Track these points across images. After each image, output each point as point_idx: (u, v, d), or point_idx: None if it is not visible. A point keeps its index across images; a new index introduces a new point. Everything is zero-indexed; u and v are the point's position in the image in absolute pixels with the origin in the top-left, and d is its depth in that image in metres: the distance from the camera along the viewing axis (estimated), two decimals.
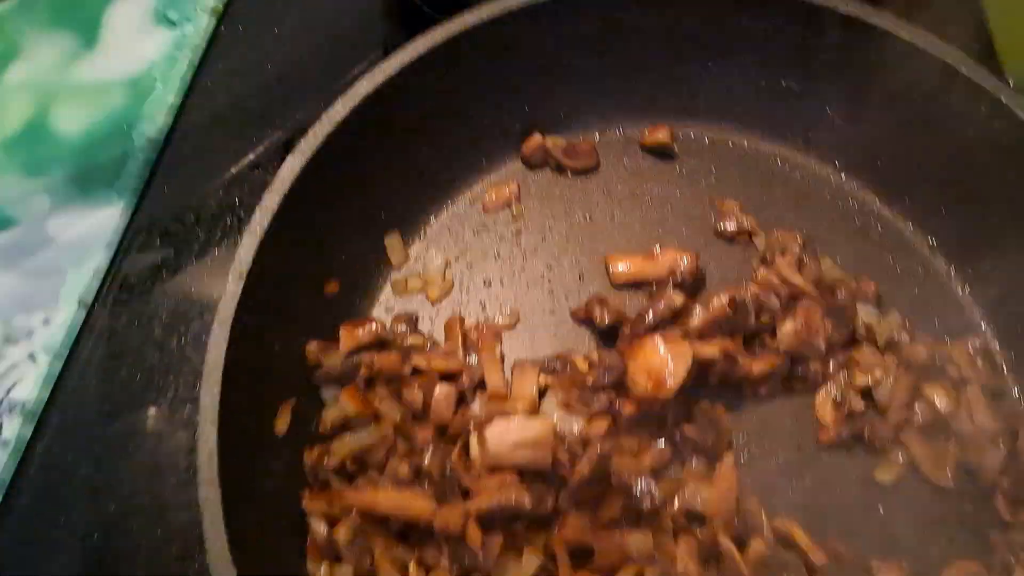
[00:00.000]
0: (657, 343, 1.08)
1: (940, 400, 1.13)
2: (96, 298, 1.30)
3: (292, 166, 1.10)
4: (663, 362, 1.06)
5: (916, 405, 1.13)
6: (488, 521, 0.98)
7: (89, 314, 1.28)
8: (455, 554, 0.98)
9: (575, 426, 1.07)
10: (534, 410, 1.09)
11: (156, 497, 1.16)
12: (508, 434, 1.02)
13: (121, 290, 1.31)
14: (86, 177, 1.41)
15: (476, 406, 1.11)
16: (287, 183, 1.09)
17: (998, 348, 1.19)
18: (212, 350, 0.98)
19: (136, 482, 1.16)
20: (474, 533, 0.97)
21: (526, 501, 0.98)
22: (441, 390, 1.11)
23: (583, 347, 1.20)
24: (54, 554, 1.13)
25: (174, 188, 1.40)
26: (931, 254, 1.26)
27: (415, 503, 1.01)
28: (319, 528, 1.03)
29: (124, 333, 1.27)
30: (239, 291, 1.02)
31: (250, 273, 1.04)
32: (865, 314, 1.17)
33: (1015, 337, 1.18)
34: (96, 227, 1.36)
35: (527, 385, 1.12)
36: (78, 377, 1.24)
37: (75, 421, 1.21)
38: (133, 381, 1.23)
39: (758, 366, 1.12)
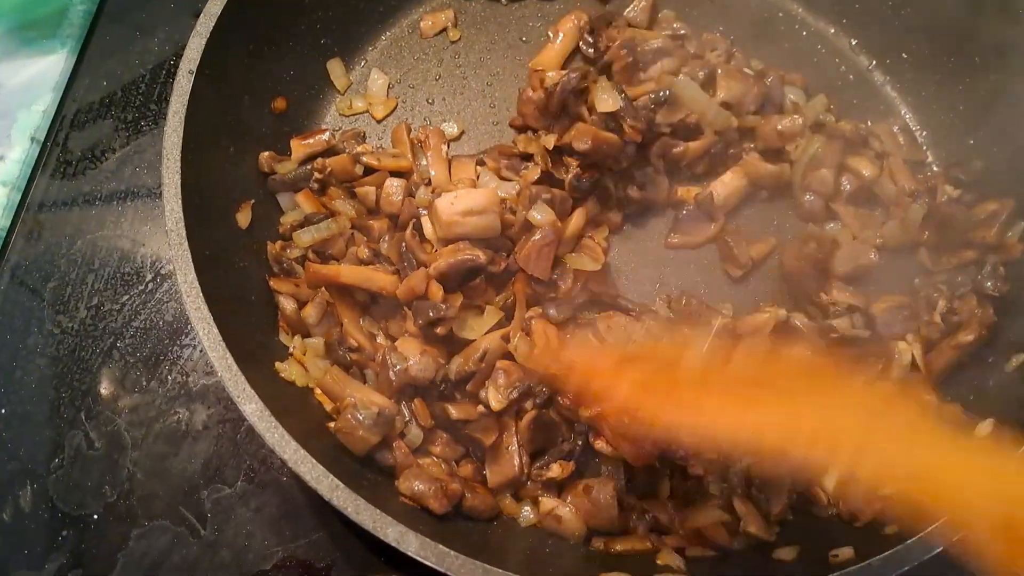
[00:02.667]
0: None
1: (865, 169, 1.23)
2: (48, 136, 1.33)
3: None
4: None
5: (843, 177, 1.23)
6: (448, 283, 1.06)
7: (43, 150, 1.32)
8: (419, 312, 1.05)
9: (513, 188, 1.14)
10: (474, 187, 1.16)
11: (125, 304, 1.21)
12: (456, 203, 1.08)
13: (72, 128, 1.34)
14: (26, 30, 1.43)
15: (421, 192, 1.17)
16: None
17: (916, 127, 1.30)
18: (168, 135, 1.03)
19: (104, 292, 1.21)
20: (435, 289, 1.05)
21: (480, 256, 1.06)
22: (391, 183, 1.17)
23: None
24: (31, 358, 1.18)
25: (117, 36, 1.42)
26: (852, 52, 1.35)
27: (378, 276, 1.09)
28: (288, 305, 1.10)
29: (80, 164, 1.31)
30: (189, 86, 1.07)
31: (199, 71, 1.08)
32: (793, 95, 1.27)
33: (930, 117, 1.30)
34: (42, 73, 1.39)
35: (466, 171, 1.19)
36: (38, 207, 1.28)
37: (39, 243, 1.25)
38: (93, 205, 1.27)
39: (694, 145, 1.21)
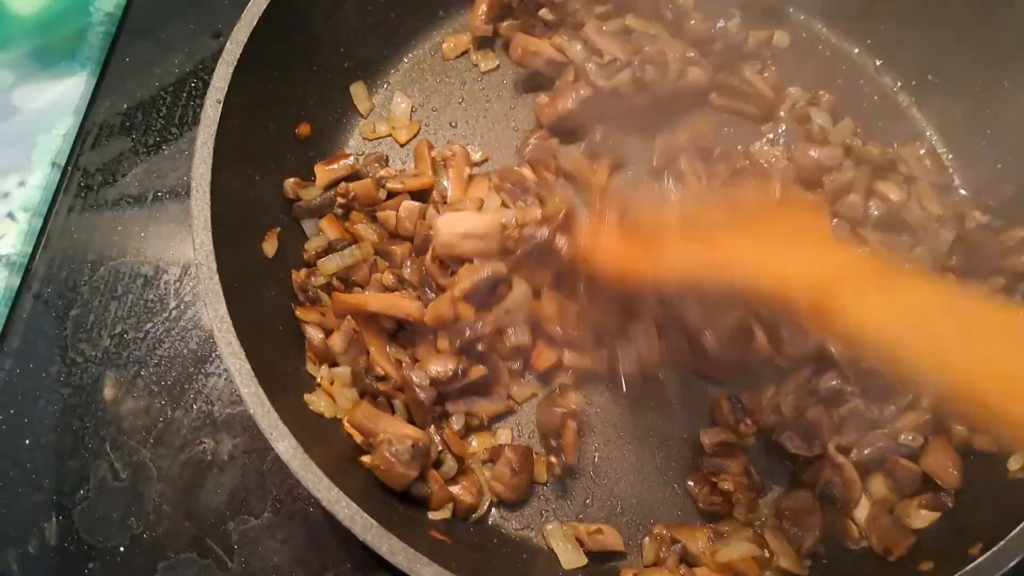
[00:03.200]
0: None
1: (893, 194, 1.22)
2: (68, 160, 1.32)
3: (259, 3, 1.13)
4: None
5: (871, 202, 1.22)
6: (475, 301, 1.05)
7: (64, 174, 1.31)
8: (455, 335, 1.05)
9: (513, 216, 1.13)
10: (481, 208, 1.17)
11: (149, 332, 1.20)
12: (457, 224, 1.08)
13: (93, 152, 1.33)
14: (46, 51, 1.42)
15: (431, 213, 1.17)
16: (254, 19, 1.13)
17: (943, 150, 1.29)
18: (197, 166, 1.02)
19: (128, 320, 1.21)
20: (466, 310, 1.04)
21: (502, 268, 1.05)
22: (406, 205, 1.17)
23: None
24: (54, 388, 1.17)
25: (137, 56, 1.42)
26: (877, 73, 1.35)
27: (405, 303, 1.08)
28: (314, 334, 1.10)
29: (101, 190, 1.30)
30: (217, 115, 1.06)
31: (226, 100, 1.07)
32: (820, 119, 1.26)
33: (957, 140, 1.29)
34: (61, 96, 1.38)
35: (479, 190, 1.19)
36: (59, 233, 1.27)
37: (61, 270, 1.24)
38: (115, 231, 1.27)
39: None
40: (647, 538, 1.07)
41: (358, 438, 1.05)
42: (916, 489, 1.06)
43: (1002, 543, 0.88)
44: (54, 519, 1.10)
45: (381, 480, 1.01)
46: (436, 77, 1.35)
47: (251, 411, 0.91)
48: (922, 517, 1.05)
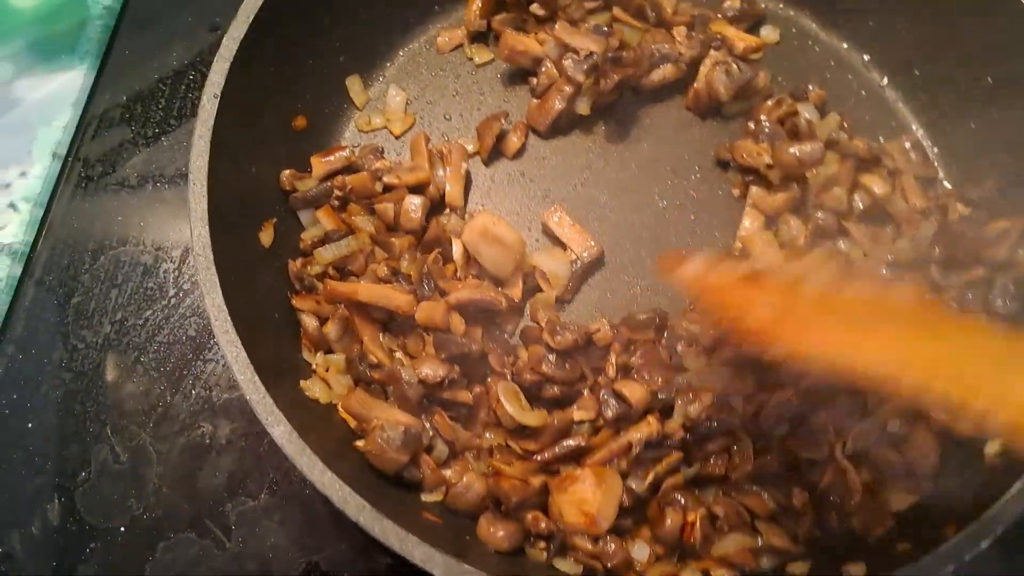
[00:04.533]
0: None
1: (877, 187, 1.25)
2: (69, 151, 1.35)
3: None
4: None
5: (856, 194, 1.24)
6: (465, 315, 1.08)
7: (64, 166, 1.34)
8: (443, 347, 1.07)
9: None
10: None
11: (148, 319, 1.23)
12: (494, 227, 1.13)
13: (93, 143, 1.36)
14: (46, 44, 1.45)
15: (454, 220, 1.20)
16: (251, 14, 1.15)
17: (929, 144, 1.32)
18: (195, 159, 1.05)
19: (128, 307, 1.23)
20: (457, 322, 1.07)
21: (502, 301, 1.08)
22: (410, 200, 1.19)
23: None
24: (56, 372, 1.20)
25: (136, 49, 1.44)
26: (865, 69, 1.37)
27: (395, 296, 1.11)
28: (310, 322, 1.12)
29: (101, 180, 1.33)
30: (214, 110, 1.08)
31: (223, 94, 1.10)
32: (808, 112, 1.29)
33: (942, 134, 1.31)
34: (61, 88, 1.41)
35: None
36: (60, 222, 1.30)
37: (62, 259, 1.27)
38: (115, 220, 1.30)
39: None
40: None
41: (352, 423, 1.08)
42: (894, 473, 1.09)
43: (973, 524, 0.91)
44: (56, 501, 1.14)
45: (374, 464, 1.04)
46: (431, 70, 1.38)
47: (247, 397, 0.94)
48: (901, 500, 1.07)
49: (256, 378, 0.95)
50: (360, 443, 1.04)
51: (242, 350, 0.96)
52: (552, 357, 1.08)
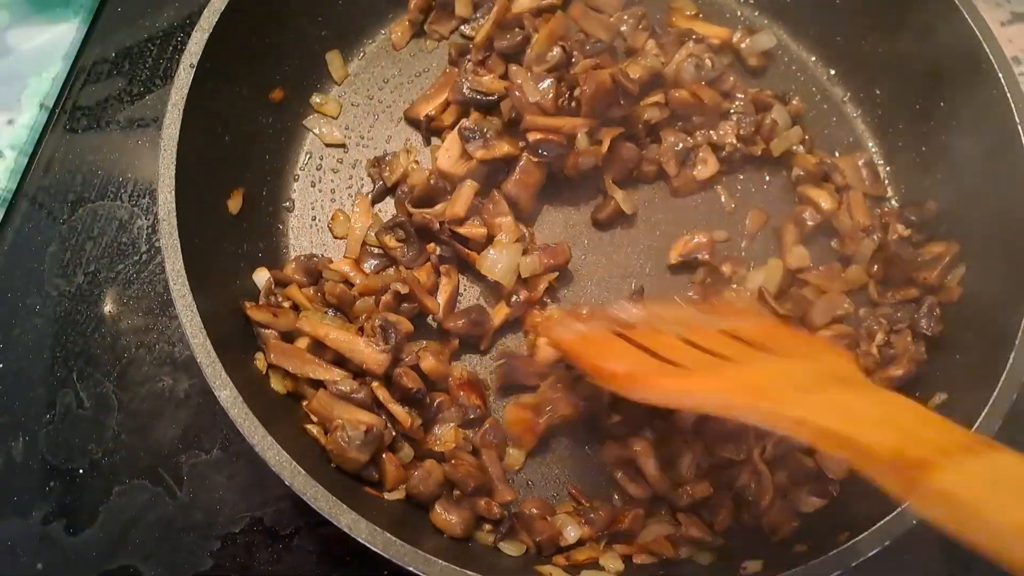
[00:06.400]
0: None
1: (824, 201, 1.30)
2: (56, 103, 1.40)
3: None
4: None
5: (806, 212, 1.30)
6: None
7: (51, 116, 1.38)
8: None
9: None
10: None
11: (120, 273, 1.29)
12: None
13: (80, 97, 1.40)
14: None
15: None
16: None
17: (881, 163, 1.36)
18: (167, 126, 1.10)
19: (101, 260, 1.29)
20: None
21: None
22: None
23: None
24: (28, 317, 1.27)
25: (128, 7, 1.48)
26: (829, 83, 1.41)
27: (366, 351, 1.12)
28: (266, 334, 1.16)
29: (85, 134, 1.38)
30: (190, 79, 1.13)
31: (200, 64, 1.14)
32: (779, 117, 1.33)
33: (895, 154, 1.36)
34: (53, 40, 1.45)
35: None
36: (43, 172, 1.35)
37: (43, 208, 1.32)
38: (95, 174, 1.35)
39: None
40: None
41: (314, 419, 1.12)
42: (808, 477, 1.16)
43: (864, 534, 0.98)
44: (21, 439, 1.20)
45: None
46: (410, 50, 1.41)
47: (198, 360, 1.00)
48: (810, 503, 1.14)
49: (207, 341, 1.01)
50: (313, 428, 1.10)
51: (196, 315, 1.02)
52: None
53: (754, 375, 0.94)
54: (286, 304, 1.17)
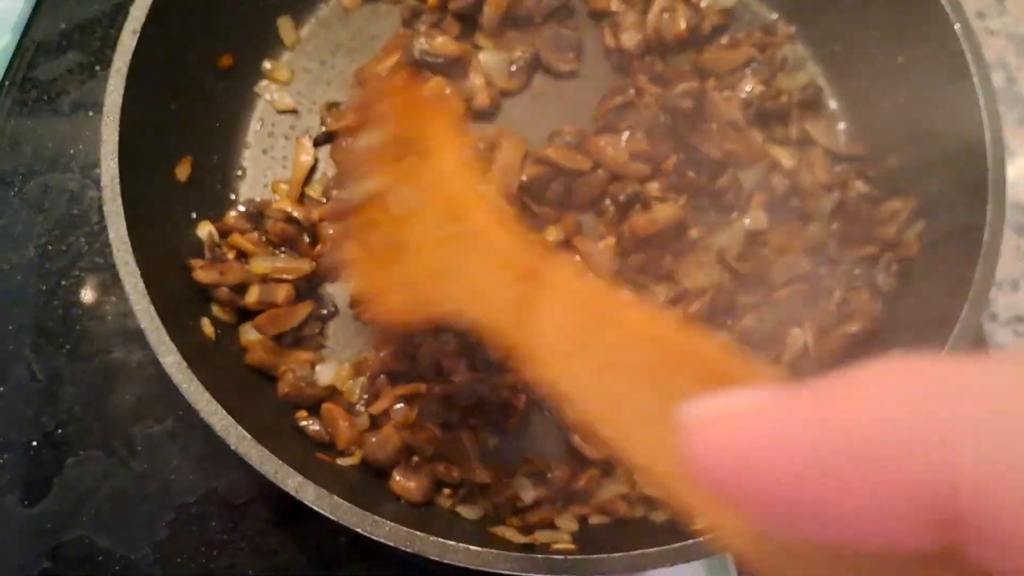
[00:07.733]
0: None
1: (786, 160, 1.28)
2: (4, 76, 1.37)
3: None
4: None
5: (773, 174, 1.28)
6: None
7: (0, 89, 1.36)
8: None
9: None
10: None
11: (71, 245, 1.27)
12: None
13: (29, 69, 1.38)
14: None
15: None
16: None
17: (841, 120, 1.36)
18: (110, 93, 1.08)
19: (52, 232, 1.28)
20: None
21: None
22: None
23: None
24: None
25: None
26: (789, 40, 1.39)
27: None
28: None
29: (35, 105, 1.36)
30: (133, 45, 1.11)
31: (144, 30, 1.12)
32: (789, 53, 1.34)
33: (856, 110, 1.35)
34: (3, 12, 1.42)
35: None
36: None
37: None
38: (45, 146, 1.33)
39: None
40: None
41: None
42: None
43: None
44: None
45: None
46: (362, 14, 1.40)
47: (142, 326, 0.99)
48: None
49: (151, 308, 0.99)
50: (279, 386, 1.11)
51: (139, 280, 1.00)
52: None
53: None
54: (231, 256, 1.16)
